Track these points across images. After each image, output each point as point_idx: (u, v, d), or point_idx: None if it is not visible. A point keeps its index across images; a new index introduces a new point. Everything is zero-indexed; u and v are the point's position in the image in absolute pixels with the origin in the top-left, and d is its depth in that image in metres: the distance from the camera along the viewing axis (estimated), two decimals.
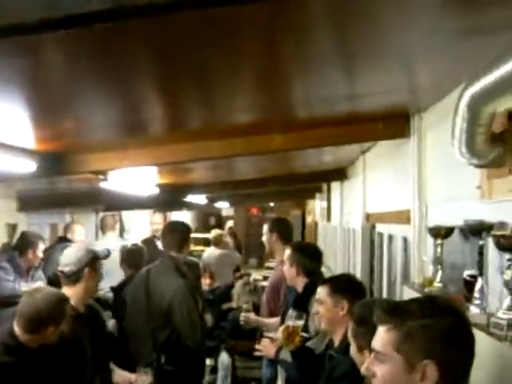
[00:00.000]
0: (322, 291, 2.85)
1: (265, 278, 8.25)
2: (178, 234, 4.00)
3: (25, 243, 4.99)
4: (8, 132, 2.98)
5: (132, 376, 3.40)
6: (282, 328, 3.17)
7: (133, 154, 3.72)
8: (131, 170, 4.56)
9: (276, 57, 2.25)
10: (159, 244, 5.54)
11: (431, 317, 1.51)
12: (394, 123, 3.74)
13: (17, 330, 2.74)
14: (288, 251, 3.64)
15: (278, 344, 3.37)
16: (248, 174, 7.41)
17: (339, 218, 7.96)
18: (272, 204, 17.22)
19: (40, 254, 5.00)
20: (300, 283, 3.58)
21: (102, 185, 4.60)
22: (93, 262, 3.26)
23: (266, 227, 4.59)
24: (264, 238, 4.51)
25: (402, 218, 3.82)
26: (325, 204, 10.04)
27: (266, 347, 3.43)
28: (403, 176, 3.95)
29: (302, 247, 3.81)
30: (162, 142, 3.72)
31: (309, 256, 3.64)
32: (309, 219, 15.05)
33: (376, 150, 5.21)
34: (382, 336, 1.55)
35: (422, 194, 3.49)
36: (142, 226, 9.36)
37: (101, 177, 4.48)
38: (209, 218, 16.81)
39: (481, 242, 2.31)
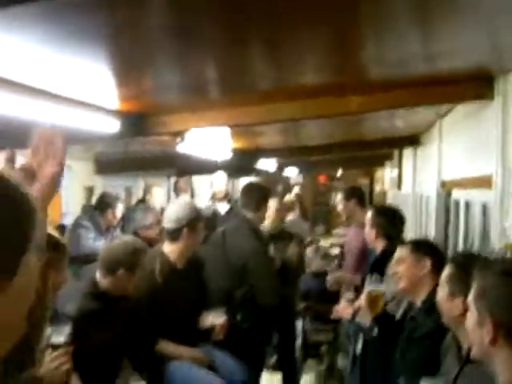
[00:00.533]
0: (402, 250, 2.84)
1: (332, 246, 8.26)
2: (255, 194, 4.08)
3: (104, 203, 5.18)
4: (94, 92, 3.09)
5: (210, 317, 3.53)
6: (364, 294, 3.18)
7: (208, 115, 3.78)
8: (206, 132, 4.64)
9: (351, 14, 2.20)
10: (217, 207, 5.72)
11: (507, 275, 1.50)
12: (477, 85, 3.62)
13: (98, 275, 2.90)
14: (369, 213, 3.65)
15: (355, 307, 3.40)
16: (317, 139, 7.38)
17: (411, 186, 7.82)
18: (339, 173, 17.11)
19: (118, 215, 5.17)
20: (379, 246, 3.60)
21: (179, 147, 4.68)
22: (193, 222, 3.38)
23: (339, 196, 4.68)
24: (340, 207, 4.60)
25: (483, 183, 3.72)
26: (395, 172, 9.87)
27: (342, 309, 3.47)
28: (484, 140, 3.83)
29: (383, 210, 3.83)
30: (237, 103, 3.76)
31: (388, 219, 3.64)
32: (377, 188, 14.85)
33: (454, 114, 5.07)
34: (472, 288, 1.58)
35: (505, 158, 3.37)
36: (208, 190, 9.53)
37: (178, 139, 4.57)
38: (276, 186, 16.81)
39: None
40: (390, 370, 2.88)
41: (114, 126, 3.46)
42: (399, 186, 9.50)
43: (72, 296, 2.78)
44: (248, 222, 4.02)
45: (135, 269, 2.93)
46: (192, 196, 7.60)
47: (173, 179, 8.41)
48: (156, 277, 3.31)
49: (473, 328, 1.56)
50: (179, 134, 4.29)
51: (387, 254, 3.32)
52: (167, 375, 3.18)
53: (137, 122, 3.60)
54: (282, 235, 4.82)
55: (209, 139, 5.09)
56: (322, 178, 17.96)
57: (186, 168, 7.91)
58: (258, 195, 4.07)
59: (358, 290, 3.79)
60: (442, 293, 2.26)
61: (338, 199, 4.75)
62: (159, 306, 3.26)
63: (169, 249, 3.42)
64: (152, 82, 3.15)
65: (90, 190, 7.41)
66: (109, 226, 5.14)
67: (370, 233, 3.66)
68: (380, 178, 14.16)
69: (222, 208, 5.74)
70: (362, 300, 3.17)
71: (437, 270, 2.60)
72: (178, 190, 7.01)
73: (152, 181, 7.91)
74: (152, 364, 3.17)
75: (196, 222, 3.43)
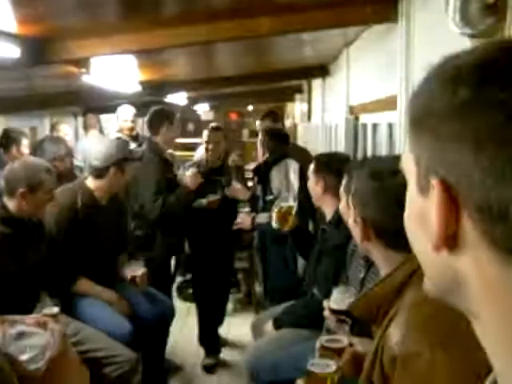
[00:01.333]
0: (310, 167, 2.95)
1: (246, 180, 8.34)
2: (153, 117, 4.23)
3: (8, 140, 4.97)
4: None
5: (129, 269, 3.59)
6: (275, 209, 3.29)
7: (116, 40, 3.63)
8: (112, 61, 4.48)
9: None
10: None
11: (373, 178, 1.60)
12: (381, 6, 3.69)
13: (4, 198, 2.83)
14: (260, 136, 4.07)
15: (253, 215, 3.75)
16: (227, 70, 7.31)
17: (321, 116, 7.96)
18: (250, 109, 17.15)
19: (25, 150, 4.97)
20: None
21: (85, 78, 4.51)
22: (121, 162, 3.34)
23: (258, 122, 5.01)
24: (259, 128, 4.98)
25: (389, 104, 3.85)
26: (305, 104, 10.00)
27: (243, 219, 3.76)
28: (389, 63, 3.94)
29: (269, 130, 4.48)
30: (142, 27, 3.63)
31: (272, 137, 4.28)
32: (287, 122, 15.02)
33: (360, 41, 5.16)
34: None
35: (409, 78, 3.49)
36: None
37: (83, 70, 4.40)
38: (187, 124, 16.64)
39: None
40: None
41: (13, 51, 3.26)
42: (309, 118, 9.65)
43: None
44: (150, 144, 4.18)
45: (37, 187, 2.87)
46: (101, 133, 7.42)
47: (80, 117, 8.14)
48: (77, 210, 3.27)
49: (351, 226, 1.67)
50: (84, 62, 4.12)
51: (267, 163, 4.08)
52: (78, 309, 3.18)
53: (38, 48, 3.41)
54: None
55: (114, 69, 4.93)
56: (232, 116, 17.97)
57: (92, 105, 7.66)
58: (156, 118, 4.19)
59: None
60: (342, 202, 2.36)
61: (257, 124, 5.19)
62: (79, 240, 3.24)
63: (92, 184, 3.41)
64: (53, 2, 2.98)
65: None
66: None
67: (260, 151, 4.32)
68: (290, 112, 14.33)
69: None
70: (273, 215, 3.28)
71: (335, 188, 2.69)
72: (87, 126, 6.82)
73: (58, 119, 7.63)
74: (67, 297, 3.15)
75: (124, 162, 3.41)
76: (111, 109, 8.91)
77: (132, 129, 5.73)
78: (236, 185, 4.22)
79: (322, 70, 7.45)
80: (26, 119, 7.96)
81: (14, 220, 2.84)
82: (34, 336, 1.06)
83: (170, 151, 4.47)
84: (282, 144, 4.16)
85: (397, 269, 1.48)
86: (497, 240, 0.51)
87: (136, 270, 3.56)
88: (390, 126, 4.02)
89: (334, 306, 2.10)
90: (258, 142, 4.19)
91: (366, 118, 5.04)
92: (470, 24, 2.19)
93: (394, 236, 1.51)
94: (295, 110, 12.79)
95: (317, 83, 8.52)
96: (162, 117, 4.19)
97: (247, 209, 4.11)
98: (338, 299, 2.11)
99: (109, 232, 3.46)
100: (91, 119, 6.89)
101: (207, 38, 3.76)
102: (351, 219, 1.65)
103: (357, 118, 5.35)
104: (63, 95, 6.91)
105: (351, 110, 5.51)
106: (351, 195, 1.64)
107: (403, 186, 1.11)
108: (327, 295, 2.22)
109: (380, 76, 4.39)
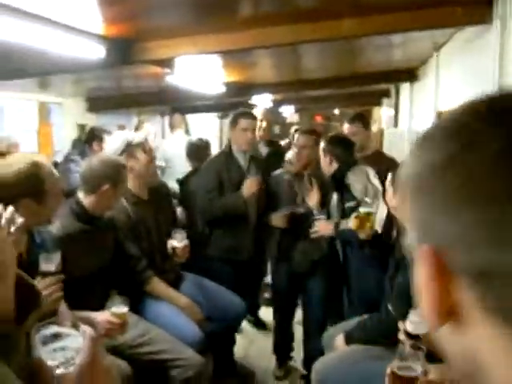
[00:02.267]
0: (387, 178, 2.84)
1: None
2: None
3: (91, 136, 5.17)
4: (77, 15, 2.95)
5: (171, 241, 3.47)
6: (352, 215, 3.18)
7: (201, 40, 3.62)
8: (196, 61, 4.50)
9: None
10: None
11: None
12: (475, 7, 3.49)
13: (80, 195, 2.85)
14: (322, 143, 3.79)
15: (336, 222, 3.50)
16: (313, 73, 7.22)
17: (408, 122, 7.72)
18: (336, 112, 16.95)
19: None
20: (332, 169, 3.71)
21: (169, 78, 4.56)
22: (125, 150, 3.28)
23: (347, 126, 4.81)
24: (345, 130, 4.96)
25: None
26: (392, 109, 9.74)
27: (322, 227, 3.53)
28: (481, 67, 3.72)
29: (333, 139, 3.90)
30: (229, 28, 3.61)
31: (339, 143, 3.79)
32: (374, 128, 14.72)
33: (451, 44, 4.93)
34: None
35: (503, 83, 3.28)
36: (203, 129, 9.39)
37: (167, 70, 4.45)
38: (273, 126, 16.65)
39: None
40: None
41: (99, 51, 3.33)
42: (396, 124, 9.39)
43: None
44: (227, 144, 4.18)
45: (119, 183, 2.89)
46: (186, 133, 7.52)
47: (166, 116, 8.31)
48: (128, 210, 3.23)
49: None
50: (168, 61, 4.16)
51: (342, 171, 3.63)
52: (149, 309, 3.13)
53: (123, 48, 3.46)
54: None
55: (199, 70, 4.96)
56: (318, 118, 17.82)
57: (177, 105, 7.78)
58: (230, 120, 4.14)
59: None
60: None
61: (345, 128, 4.97)
62: (137, 238, 3.22)
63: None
64: (139, 2, 3.01)
65: (82, 128, 7.31)
66: None
67: (324, 160, 3.75)
68: (377, 117, 14.02)
69: None
70: (351, 221, 3.16)
71: None
72: (173, 126, 6.93)
73: (145, 118, 7.81)
74: (138, 296, 3.13)
75: (134, 148, 3.31)
76: (198, 109, 9.07)
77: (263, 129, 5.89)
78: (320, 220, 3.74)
79: (409, 75, 7.22)
80: (115, 117, 8.24)
81: (90, 216, 2.87)
82: (68, 338, 1.02)
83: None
84: (349, 150, 3.94)
85: None
86: (493, 307, 0.46)
87: (178, 242, 3.43)
88: None
89: (411, 330, 1.95)
90: (321, 151, 3.81)
91: None
92: None
93: None
94: (381, 114, 12.51)
95: (405, 88, 8.27)
96: (232, 119, 4.11)
97: (323, 215, 3.88)
98: (416, 322, 1.95)
99: (160, 225, 3.42)
100: (176, 119, 6.98)
101: (292, 40, 3.69)
102: None
103: None
104: (149, 95, 7.08)
105: (440, 116, 5.28)
106: None
107: None
108: (403, 315, 2.06)
109: (470, 81, 4.16)
